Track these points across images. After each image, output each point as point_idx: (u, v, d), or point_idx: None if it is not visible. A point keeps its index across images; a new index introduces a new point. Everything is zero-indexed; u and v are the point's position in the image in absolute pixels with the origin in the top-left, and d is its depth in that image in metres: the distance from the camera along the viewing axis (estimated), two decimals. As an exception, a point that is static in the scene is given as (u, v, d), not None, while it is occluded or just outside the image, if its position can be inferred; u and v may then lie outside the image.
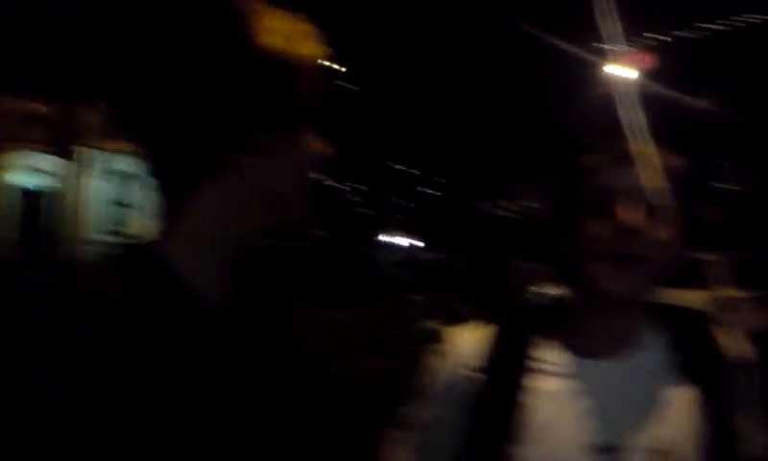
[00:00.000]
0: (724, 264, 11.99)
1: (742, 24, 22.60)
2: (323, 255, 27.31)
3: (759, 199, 30.27)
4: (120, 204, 23.59)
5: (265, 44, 0.99)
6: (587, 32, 20.89)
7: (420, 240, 41.68)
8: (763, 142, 27.69)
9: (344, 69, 19.30)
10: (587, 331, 1.20)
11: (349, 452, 5.02)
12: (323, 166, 1.12)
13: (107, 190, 23.54)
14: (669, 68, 23.69)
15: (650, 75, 23.10)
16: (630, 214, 1.12)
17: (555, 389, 1.17)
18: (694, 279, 11.78)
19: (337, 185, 32.58)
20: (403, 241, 42.58)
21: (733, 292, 11.65)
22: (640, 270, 1.14)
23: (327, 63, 1.11)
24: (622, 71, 22.17)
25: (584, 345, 1.20)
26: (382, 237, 40.59)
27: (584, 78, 25.42)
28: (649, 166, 1.14)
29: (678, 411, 1.16)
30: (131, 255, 1.06)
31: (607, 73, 22.93)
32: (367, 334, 12.86)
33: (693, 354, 1.21)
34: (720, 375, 1.19)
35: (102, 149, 21.62)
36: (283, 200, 1.08)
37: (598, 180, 1.15)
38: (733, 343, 1.24)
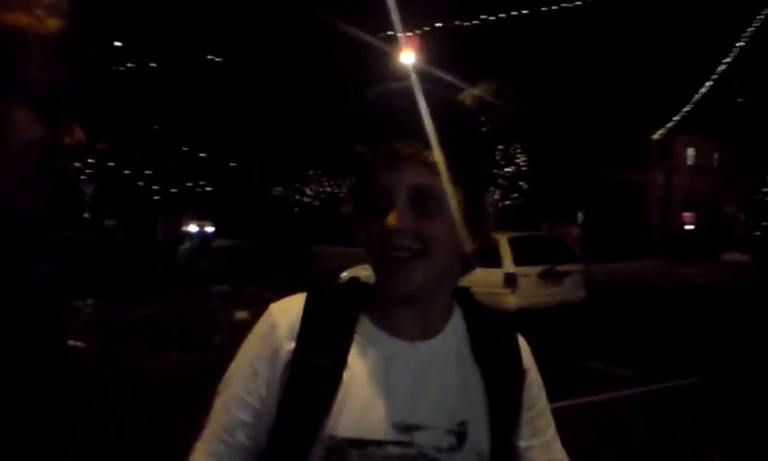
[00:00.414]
0: (510, 242, 12.73)
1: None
2: (115, 247, 25.95)
3: (534, 181, 32.84)
4: None
5: None
6: (378, 20, 21.60)
7: (213, 226, 40.82)
8: (538, 128, 30.03)
9: (118, 46, 18.52)
10: (395, 316, 1.22)
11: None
12: (76, 153, 1.01)
13: None
14: (448, 56, 24.99)
15: (430, 62, 24.25)
16: (397, 215, 1.14)
17: (368, 366, 1.19)
18: (489, 257, 12.59)
19: (126, 172, 31.03)
20: (195, 228, 41.44)
21: (518, 268, 12.44)
22: (421, 265, 1.15)
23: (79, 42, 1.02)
24: (405, 57, 23.09)
25: (394, 326, 1.22)
26: (176, 225, 39.25)
27: (374, 67, 26.16)
28: (422, 162, 1.14)
29: (473, 392, 1.23)
30: None
31: (394, 62, 23.78)
32: (169, 328, 12.44)
33: (480, 339, 1.28)
34: (498, 359, 1.28)
35: None
36: None
37: (374, 178, 1.16)
38: (505, 329, 1.34)
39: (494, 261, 12.52)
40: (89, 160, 26.10)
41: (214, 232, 39.19)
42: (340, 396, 1.16)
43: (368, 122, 1.23)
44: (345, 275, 16.43)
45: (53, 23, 0.95)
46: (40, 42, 0.94)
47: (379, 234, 1.15)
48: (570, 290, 12.99)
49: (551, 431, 1.35)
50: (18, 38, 0.92)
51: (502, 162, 32.97)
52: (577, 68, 28.43)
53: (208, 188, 42.31)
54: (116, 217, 32.10)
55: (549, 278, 12.70)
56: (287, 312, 1.23)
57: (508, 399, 1.27)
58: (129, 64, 19.07)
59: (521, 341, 1.36)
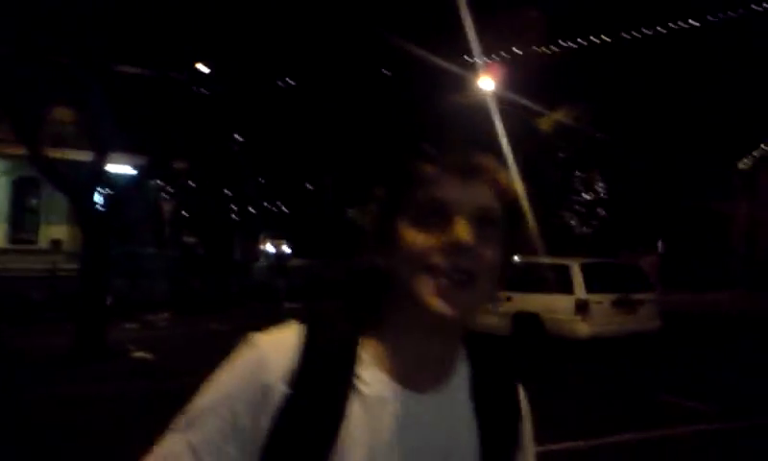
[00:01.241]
0: (582, 268, 12.50)
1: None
2: (193, 264, 26.62)
3: (613, 208, 32.19)
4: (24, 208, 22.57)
5: None
6: (450, 43, 21.64)
7: (290, 246, 41.41)
8: (617, 154, 29.49)
9: (209, 73, 19.08)
10: (403, 354, 1.10)
11: None
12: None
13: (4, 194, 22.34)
14: (527, 81, 24.80)
15: (508, 87, 24.13)
16: (466, 230, 1.04)
17: (369, 421, 1.06)
18: (560, 284, 12.38)
19: (205, 193, 31.82)
20: (272, 248, 42.15)
21: (590, 295, 12.18)
22: (472, 290, 1.05)
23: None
24: (484, 83, 23.02)
25: (400, 369, 1.10)
26: (252, 244, 40.02)
27: (451, 93, 26.19)
28: (490, 182, 1.08)
29: (465, 449, 1.13)
30: None
31: (469, 85, 23.74)
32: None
33: (483, 392, 1.17)
34: (498, 419, 1.17)
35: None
36: None
37: (435, 191, 1.06)
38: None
39: (566, 287, 12.31)
40: (170, 179, 26.87)
41: (291, 253, 39.72)
42: (336, 455, 1.03)
43: (443, 130, 1.15)
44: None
45: None
46: None
47: (436, 249, 1.04)
48: (645, 319, 12.66)
49: None
50: None
51: (580, 189, 32.45)
52: (660, 94, 27.81)
53: (285, 209, 43.00)
54: (195, 235, 32.89)
55: (623, 306, 12.42)
56: (278, 348, 1.09)
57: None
58: (209, 87, 19.63)
59: (521, 389, 1.24)
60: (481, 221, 1.06)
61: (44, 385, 9.96)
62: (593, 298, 12.08)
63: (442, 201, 1.06)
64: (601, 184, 33.56)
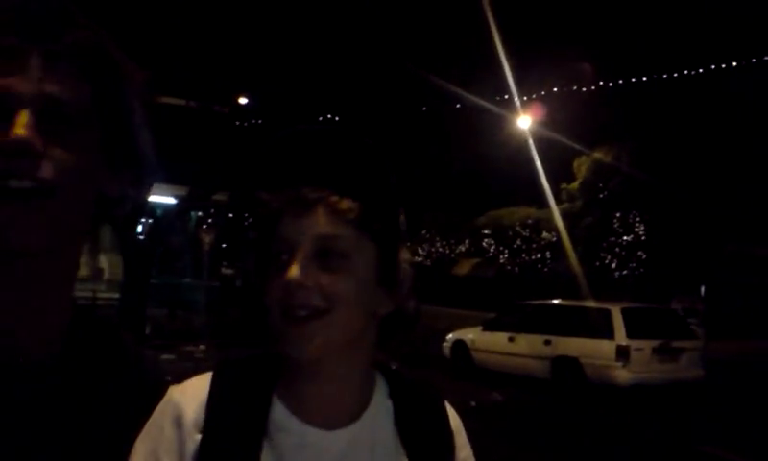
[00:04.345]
0: (623, 313, 12.33)
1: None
2: (230, 295, 26.81)
3: (655, 250, 31.75)
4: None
5: None
6: (486, 82, 21.70)
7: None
8: (658, 195, 29.14)
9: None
10: (306, 395, 1.08)
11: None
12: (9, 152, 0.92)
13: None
14: (566, 120, 24.75)
15: (547, 126, 24.10)
16: (300, 267, 1.01)
17: (281, 458, 1.05)
18: (601, 328, 12.21)
19: (245, 223, 32.13)
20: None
21: (631, 341, 11.98)
22: (314, 328, 1.02)
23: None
24: (521, 121, 22.99)
25: (307, 409, 1.08)
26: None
27: (489, 131, 26.21)
28: (332, 210, 1.04)
29: None
30: None
31: (510, 126, 23.73)
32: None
33: (407, 421, 1.13)
34: (427, 444, 1.13)
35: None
36: None
37: (279, 228, 1.06)
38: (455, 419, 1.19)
39: (606, 332, 12.13)
40: (210, 211, 27.19)
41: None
42: None
43: (272, 165, 1.11)
44: (451, 336, 16.32)
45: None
46: None
47: (281, 291, 1.02)
48: (686, 367, 12.40)
49: None
50: None
51: (620, 230, 32.05)
52: (701, 134, 27.48)
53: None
54: (233, 266, 33.16)
55: (664, 353, 12.18)
56: (191, 398, 1.08)
57: None
58: (251, 120, 19.95)
59: (453, 418, 1.19)
60: (325, 252, 1.03)
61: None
62: (634, 344, 11.86)
63: (284, 238, 1.05)
64: (641, 226, 33.15)
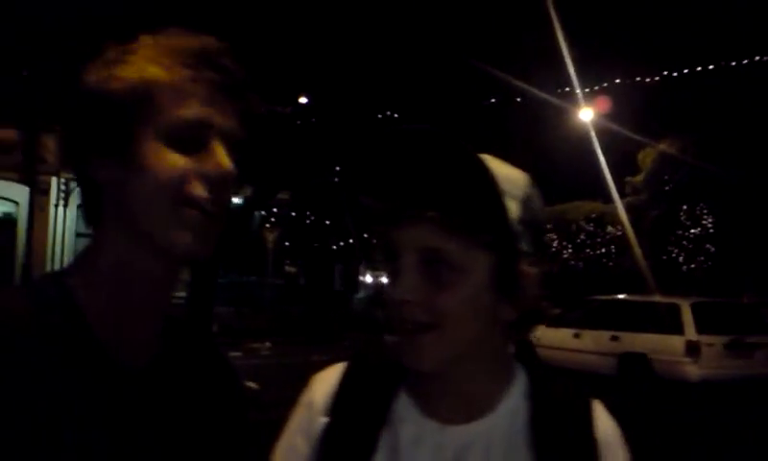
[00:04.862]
0: (693, 308, 12.07)
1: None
2: (294, 293, 27.11)
3: (724, 243, 30.94)
4: (85, 234, 23.39)
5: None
6: (549, 74, 21.42)
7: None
8: (725, 188, 28.37)
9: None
10: (427, 392, 1.09)
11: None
12: (218, 182, 1.00)
13: (73, 220, 23.31)
14: (630, 112, 24.24)
15: (611, 118, 23.64)
16: (404, 283, 1.01)
17: (395, 449, 1.06)
18: (669, 323, 11.96)
19: (307, 222, 32.44)
20: (371, 278, 42.34)
21: (701, 337, 11.72)
22: (423, 344, 1.01)
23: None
24: (584, 114, 22.61)
25: (428, 404, 1.09)
26: (352, 274, 40.40)
27: (551, 124, 25.89)
28: (437, 223, 1.00)
29: None
30: (41, 285, 1.00)
31: (573, 119, 23.40)
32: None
33: (543, 422, 1.08)
34: (563, 448, 1.07)
35: (68, 177, 21.27)
36: (145, 223, 0.97)
37: (384, 232, 1.05)
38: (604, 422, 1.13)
39: (675, 328, 11.89)
40: (273, 209, 27.52)
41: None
42: None
43: (371, 172, 1.08)
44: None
45: (178, 71, 0.98)
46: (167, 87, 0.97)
47: (389, 303, 1.03)
48: (761, 364, 12.05)
49: None
50: (140, 87, 0.96)
51: (687, 223, 31.30)
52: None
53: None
54: (297, 264, 33.54)
55: (737, 349, 11.87)
56: (323, 383, 1.16)
57: None
58: (312, 119, 20.11)
59: (604, 428, 1.12)
60: (431, 264, 1.01)
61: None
62: (705, 339, 11.60)
63: (388, 245, 1.05)
64: (709, 219, 32.32)
